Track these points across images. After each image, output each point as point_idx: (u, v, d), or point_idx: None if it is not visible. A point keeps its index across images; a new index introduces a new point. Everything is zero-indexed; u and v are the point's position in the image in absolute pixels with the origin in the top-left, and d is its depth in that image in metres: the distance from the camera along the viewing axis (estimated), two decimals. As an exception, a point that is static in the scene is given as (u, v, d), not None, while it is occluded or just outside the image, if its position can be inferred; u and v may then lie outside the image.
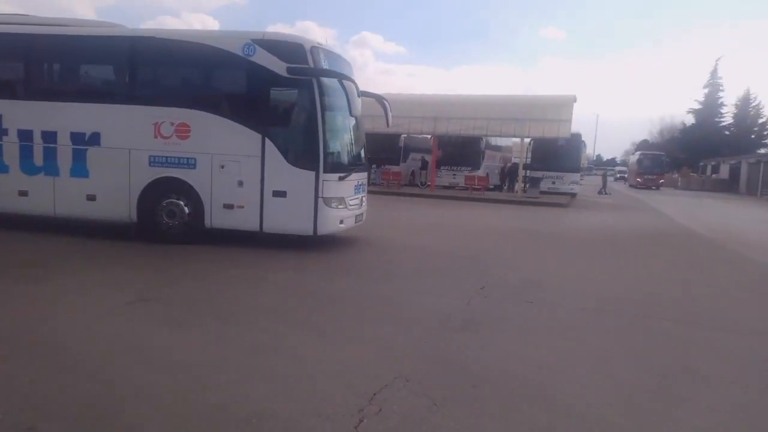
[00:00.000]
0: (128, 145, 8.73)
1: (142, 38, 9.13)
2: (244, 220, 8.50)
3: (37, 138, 9.02)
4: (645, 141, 78.53)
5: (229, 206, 8.49)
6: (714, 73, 66.24)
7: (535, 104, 22.17)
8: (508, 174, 27.84)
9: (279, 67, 8.18)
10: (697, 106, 66.83)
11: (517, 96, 25.82)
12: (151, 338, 4.54)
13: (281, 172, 8.31)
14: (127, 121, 8.79)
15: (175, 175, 8.60)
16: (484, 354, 4.58)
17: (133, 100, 8.87)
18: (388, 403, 3.50)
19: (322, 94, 8.16)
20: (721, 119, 66.12)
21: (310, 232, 8.41)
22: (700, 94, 67.12)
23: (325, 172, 8.24)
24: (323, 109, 8.18)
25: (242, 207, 8.45)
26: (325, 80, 8.28)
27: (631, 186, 49.51)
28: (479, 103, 22.68)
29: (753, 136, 63.04)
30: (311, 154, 8.22)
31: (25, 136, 9.06)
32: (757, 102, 63.94)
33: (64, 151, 8.94)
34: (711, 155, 58.75)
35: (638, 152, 54.37)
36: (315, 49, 8.32)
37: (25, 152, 9.06)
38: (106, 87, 9.59)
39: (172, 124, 8.56)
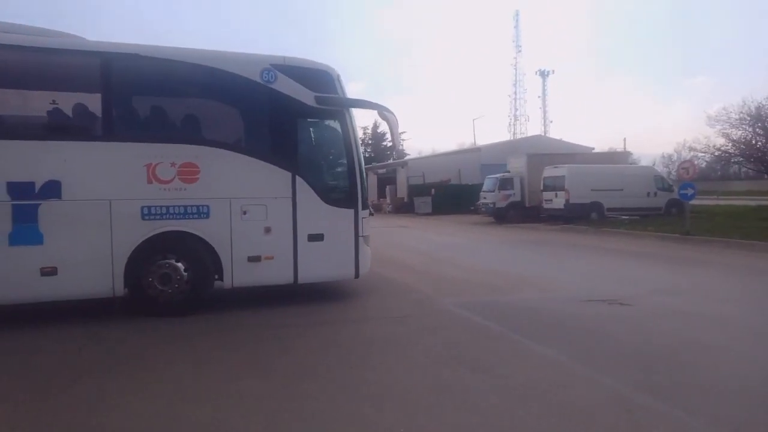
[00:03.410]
0: (107, 194, 6.48)
1: (123, 55, 6.71)
2: (275, 272, 7.17)
3: None
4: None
5: (255, 259, 7.01)
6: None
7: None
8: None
9: (306, 96, 7.17)
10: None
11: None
12: None
13: (317, 212, 7.28)
14: (104, 163, 6.53)
15: (182, 229, 6.72)
16: (101, 406, 4.04)
17: (111, 137, 6.63)
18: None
19: (354, 126, 7.58)
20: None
21: (352, 276, 7.60)
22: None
23: (362, 209, 7.56)
24: (357, 141, 7.58)
25: (271, 258, 7.09)
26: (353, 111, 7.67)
27: None
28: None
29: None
30: (350, 190, 7.47)
31: None
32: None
33: None
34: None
35: None
36: (340, 76, 7.55)
37: None
38: (67, 120, 6.78)
39: (173, 164, 6.68)
